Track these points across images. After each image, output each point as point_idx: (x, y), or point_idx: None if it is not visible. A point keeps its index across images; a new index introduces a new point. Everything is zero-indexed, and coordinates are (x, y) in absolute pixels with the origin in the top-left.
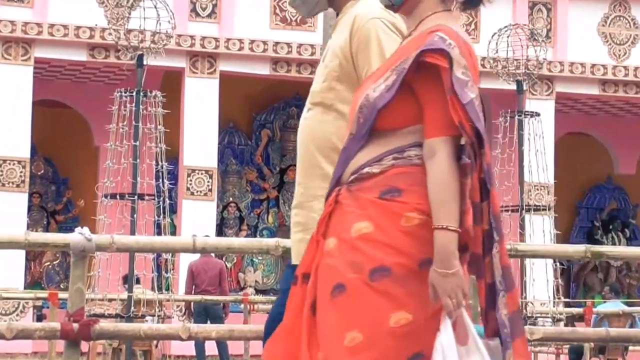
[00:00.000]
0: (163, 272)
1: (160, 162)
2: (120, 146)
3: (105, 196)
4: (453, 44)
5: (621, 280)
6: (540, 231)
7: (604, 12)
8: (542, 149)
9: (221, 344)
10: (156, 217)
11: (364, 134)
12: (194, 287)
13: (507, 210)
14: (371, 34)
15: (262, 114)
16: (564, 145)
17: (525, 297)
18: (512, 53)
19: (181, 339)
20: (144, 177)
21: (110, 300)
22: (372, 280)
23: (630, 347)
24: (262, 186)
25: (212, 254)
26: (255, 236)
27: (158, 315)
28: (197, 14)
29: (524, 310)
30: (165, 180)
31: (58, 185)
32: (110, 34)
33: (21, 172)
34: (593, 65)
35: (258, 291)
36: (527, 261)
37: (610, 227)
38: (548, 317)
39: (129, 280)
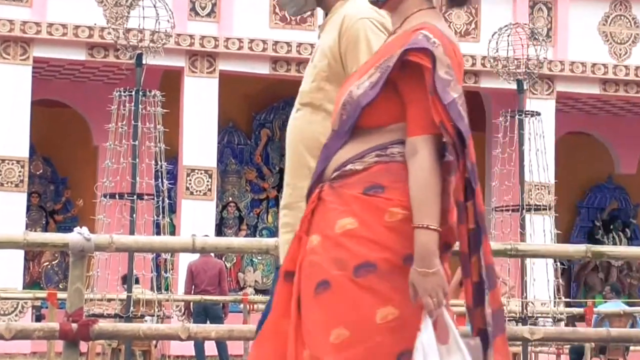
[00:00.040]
0: (162, 272)
1: (159, 162)
2: (119, 146)
3: (104, 196)
4: (437, 42)
5: (622, 280)
6: (541, 231)
7: (604, 11)
8: (542, 149)
9: (221, 344)
10: (155, 216)
11: (347, 130)
12: (193, 287)
13: (508, 210)
14: (360, 34)
15: (262, 113)
16: (565, 144)
17: (526, 297)
18: (513, 52)
19: (180, 339)
20: (143, 176)
21: (109, 300)
22: (357, 276)
23: (631, 347)
24: (261, 186)
25: (212, 254)
26: (254, 236)
27: (157, 315)
28: (197, 13)
29: (525, 310)
30: (164, 180)
31: (57, 185)
32: (109, 33)
33: (20, 171)
34: (594, 65)
35: (258, 291)
36: (528, 261)
37: (611, 226)
38: (549, 317)
39: (128, 280)
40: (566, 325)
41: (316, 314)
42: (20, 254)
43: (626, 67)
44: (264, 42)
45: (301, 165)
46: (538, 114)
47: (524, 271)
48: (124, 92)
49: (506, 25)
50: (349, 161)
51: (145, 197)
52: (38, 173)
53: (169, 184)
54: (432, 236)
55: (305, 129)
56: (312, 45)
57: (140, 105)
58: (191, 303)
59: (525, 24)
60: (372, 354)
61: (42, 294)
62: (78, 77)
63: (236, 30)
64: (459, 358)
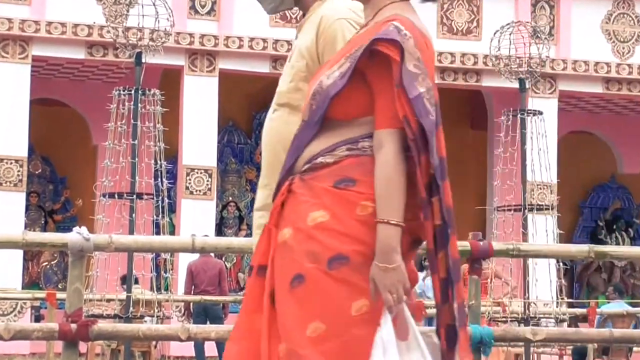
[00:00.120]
0: (162, 272)
1: (159, 161)
2: (118, 145)
3: (104, 195)
4: (408, 35)
5: (625, 281)
6: (543, 231)
7: (607, 10)
8: (544, 148)
9: (221, 345)
10: (155, 216)
11: (316, 121)
12: (193, 287)
13: (510, 210)
14: (337, 35)
15: (262, 112)
16: (567, 144)
17: (528, 298)
18: (515, 51)
19: (180, 340)
20: (142, 176)
21: (108, 300)
22: (331, 269)
23: (635, 348)
24: None
25: (212, 254)
26: None
27: (157, 316)
28: (196, 12)
29: (527, 311)
30: (164, 180)
31: (56, 185)
32: (108, 31)
33: (19, 171)
34: (596, 63)
35: None
36: (530, 261)
37: (614, 226)
38: (551, 318)
39: (127, 280)
40: (569, 326)
41: (292, 308)
42: (19, 253)
43: (629, 65)
44: (264, 40)
45: (279, 167)
46: (540, 113)
47: (526, 271)
48: (124, 91)
49: (508, 24)
50: (320, 154)
51: (145, 196)
52: (37, 172)
53: (169, 183)
54: (394, 231)
55: (282, 130)
56: None
57: (139, 104)
58: (191, 303)
59: (528, 22)
60: (348, 346)
61: (41, 294)
62: (77, 76)
63: (236, 28)
64: (418, 355)
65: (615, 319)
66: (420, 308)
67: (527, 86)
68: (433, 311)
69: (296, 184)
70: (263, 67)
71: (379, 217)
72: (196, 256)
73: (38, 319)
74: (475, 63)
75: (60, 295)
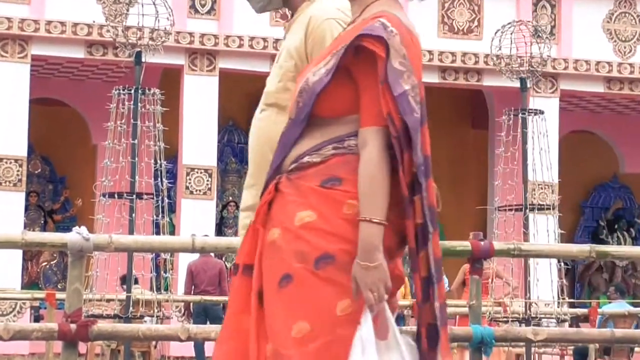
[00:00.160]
0: (162, 272)
1: (159, 161)
2: (118, 144)
3: (103, 195)
4: (395, 31)
5: (627, 281)
6: (545, 231)
7: (608, 9)
8: (546, 148)
9: None
10: (155, 216)
11: (303, 119)
12: (193, 287)
13: (511, 210)
14: (326, 35)
15: None
16: (569, 143)
17: (529, 298)
18: (516, 50)
19: (180, 340)
20: (142, 175)
21: (108, 300)
22: (317, 268)
23: (636, 349)
24: None
25: (212, 254)
26: None
27: (157, 316)
28: (196, 11)
29: (528, 311)
30: (164, 179)
31: (55, 184)
32: (108, 31)
33: (18, 171)
34: (598, 63)
35: None
36: (531, 261)
37: (616, 226)
38: (552, 318)
39: (127, 280)
40: (570, 326)
41: (279, 309)
42: (18, 253)
43: (631, 65)
44: (265, 39)
45: (266, 167)
46: (541, 112)
47: (527, 271)
48: (123, 90)
49: (509, 23)
50: (306, 153)
51: (145, 196)
52: (36, 172)
53: (169, 183)
54: (376, 230)
55: (271, 130)
56: None
57: (139, 104)
58: (191, 303)
59: (529, 22)
60: (332, 347)
61: (41, 294)
62: (77, 75)
63: (236, 27)
64: (397, 355)
65: (617, 319)
66: None
67: (528, 85)
68: None
69: (283, 183)
70: (263, 67)
71: (362, 215)
72: (196, 256)
73: (37, 319)
74: (476, 62)
75: (59, 295)
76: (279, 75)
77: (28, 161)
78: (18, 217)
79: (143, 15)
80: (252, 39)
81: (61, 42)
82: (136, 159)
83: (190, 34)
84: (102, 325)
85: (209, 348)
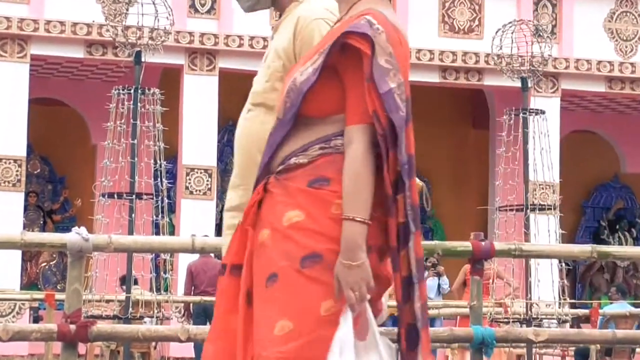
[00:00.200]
0: (161, 273)
1: (158, 161)
2: (117, 144)
3: (103, 195)
4: (381, 29)
5: (628, 281)
6: (546, 231)
7: (610, 8)
8: (547, 147)
9: None
10: (154, 216)
11: (290, 118)
12: (193, 287)
13: (512, 210)
14: (315, 35)
15: None
16: (570, 143)
17: (530, 298)
18: (517, 49)
19: (180, 341)
20: (142, 176)
21: (107, 301)
22: (303, 267)
23: (638, 349)
24: None
25: (212, 254)
26: None
27: (156, 317)
28: (196, 10)
29: (529, 312)
30: (163, 179)
31: (55, 185)
32: (107, 30)
33: (17, 171)
34: (599, 62)
35: None
36: (532, 261)
37: (617, 226)
38: (553, 319)
39: (126, 281)
40: (571, 326)
41: (265, 307)
42: (17, 254)
43: (632, 64)
44: (265, 39)
45: (253, 167)
46: (542, 112)
47: (528, 272)
48: (123, 90)
49: (510, 22)
50: (293, 154)
51: (144, 196)
52: (35, 172)
53: (169, 183)
54: (359, 228)
55: (258, 130)
56: None
57: (139, 104)
58: (191, 304)
59: (530, 21)
60: (312, 347)
61: (40, 295)
62: (76, 75)
63: (236, 27)
64: (376, 356)
65: (618, 320)
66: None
67: (529, 85)
68: (434, 312)
69: (272, 183)
70: None
71: (345, 213)
72: (196, 256)
73: (37, 319)
74: (477, 62)
75: (59, 296)
76: (267, 75)
77: (27, 161)
78: (17, 218)
79: (143, 14)
80: (252, 38)
81: (60, 42)
82: (136, 159)
83: (190, 33)
84: (102, 326)
85: None
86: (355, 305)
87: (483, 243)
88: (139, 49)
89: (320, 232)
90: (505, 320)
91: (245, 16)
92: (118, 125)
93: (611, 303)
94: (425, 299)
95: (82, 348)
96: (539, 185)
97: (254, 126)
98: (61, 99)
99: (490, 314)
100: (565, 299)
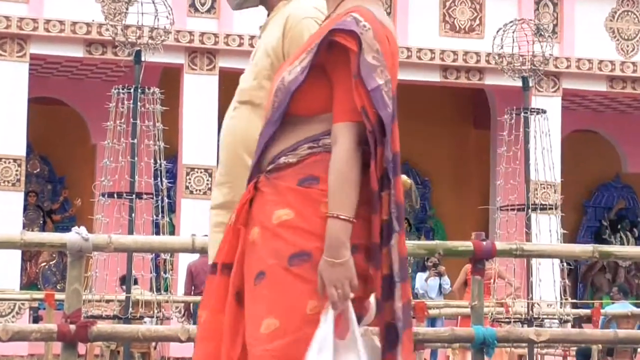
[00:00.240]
0: (162, 273)
1: (158, 161)
2: (117, 144)
3: (103, 195)
4: (368, 26)
5: (630, 281)
6: (547, 231)
7: (611, 7)
8: (548, 147)
9: None
10: (154, 216)
11: (278, 118)
12: (193, 287)
13: (513, 209)
14: (304, 34)
15: None
16: (571, 143)
17: (532, 298)
18: (518, 49)
19: (180, 341)
20: (142, 175)
21: (107, 301)
22: (291, 265)
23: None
24: None
25: None
26: None
27: (156, 317)
28: (196, 9)
29: (531, 312)
30: (163, 179)
31: (54, 184)
32: (107, 29)
33: (17, 170)
34: (600, 61)
35: None
36: (534, 261)
37: (619, 226)
38: (555, 319)
39: (126, 280)
40: (573, 326)
41: (253, 305)
42: (17, 254)
43: (633, 63)
44: None
45: (240, 164)
46: (544, 111)
47: (529, 272)
48: (123, 89)
49: (511, 22)
50: (283, 153)
51: (144, 196)
52: (35, 172)
53: (169, 183)
54: (343, 226)
55: (243, 127)
56: None
57: (139, 103)
58: (191, 304)
59: (531, 20)
60: (297, 345)
61: (40, 294)
62: (76, 75)
63: (236, 26)
64: (354, 355)
65: (620, 320)
66: (422, 309)
67: (530, 84)
68: (435, 312)
69: (262, 182)
70: None
71: (330, 211)
72: (196, 256)
73: (36, 320)
74: (477, 61)
75: (58, 296)
76: (254, 73)
77: (27, 161)
78: (17, 217)
79: (142, 14)
80: (252, 38)
81: (60, 41)
82: (136, 158)
83: (190, 32)
84: (102, 326)
85: None
86: (337, 303)
87: (484, 243)
88: (138, 48)
89: (309, 231)
90: (507, 320)
91: (245, 15)
92: (118, 124)
93: (613, 303)
94: (409, 299)
95: (82, 348)
96: (540, 184)
97: (240, 124)
98: (61, 98)
99: (492, 313)
100: (566, 299)
